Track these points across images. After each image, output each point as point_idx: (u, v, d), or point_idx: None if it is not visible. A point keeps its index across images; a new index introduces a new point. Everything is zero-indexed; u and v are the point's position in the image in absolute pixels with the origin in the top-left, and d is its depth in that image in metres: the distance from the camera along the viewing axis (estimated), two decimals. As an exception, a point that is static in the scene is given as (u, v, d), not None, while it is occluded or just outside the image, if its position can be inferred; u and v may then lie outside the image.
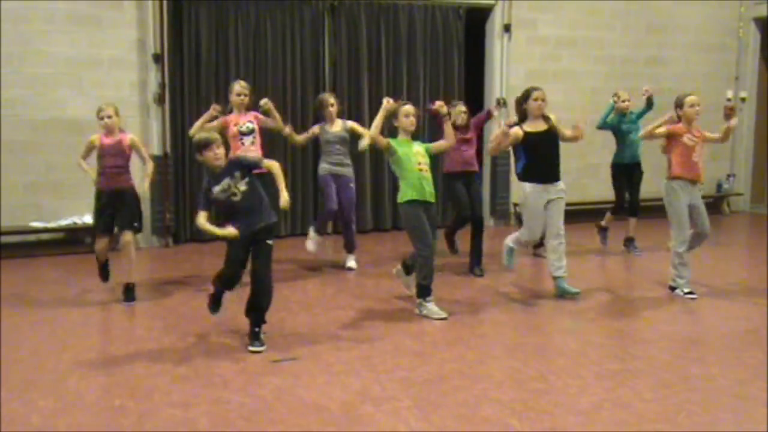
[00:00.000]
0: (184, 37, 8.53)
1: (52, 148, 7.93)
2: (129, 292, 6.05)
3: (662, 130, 6.18)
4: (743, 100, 11.51)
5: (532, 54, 10.14)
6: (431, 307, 5.56)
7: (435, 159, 6.15)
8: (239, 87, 6.71)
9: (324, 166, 7.23)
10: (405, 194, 5.55)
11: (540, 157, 6.01)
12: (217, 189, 4.87)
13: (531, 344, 4.92)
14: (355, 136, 7.14)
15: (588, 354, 4.66)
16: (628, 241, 8.21)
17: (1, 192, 7.77)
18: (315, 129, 7.30)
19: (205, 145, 4.88)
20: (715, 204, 11.50)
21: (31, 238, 8.05)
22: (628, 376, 4.23)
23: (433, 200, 5.65)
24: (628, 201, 8.18)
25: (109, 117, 6.11)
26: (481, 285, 6.53)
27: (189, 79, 8.59)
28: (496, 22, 9.92)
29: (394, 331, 5.16)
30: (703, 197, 10.98)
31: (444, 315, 5.51)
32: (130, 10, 8.21)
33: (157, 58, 8.28)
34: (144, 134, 8.33)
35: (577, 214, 8.73)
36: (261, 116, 6.77)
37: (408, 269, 5.94)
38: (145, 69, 8.31)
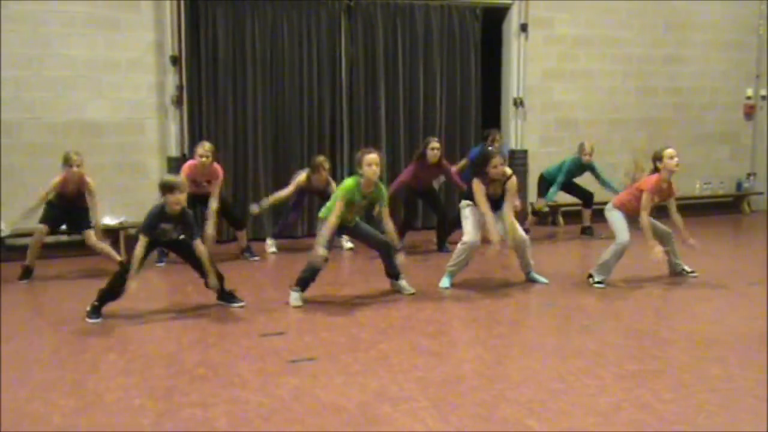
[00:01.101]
0: (202, 39, 8.58)
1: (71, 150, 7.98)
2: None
3: (646, 198, 6.26)
4: (763, 97, 11.40)
5: (549, 53, 10.11)
6: (295, 294, 5.90)
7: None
8: (202, 150, 7.29)
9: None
10: (326, 213, 5.90)
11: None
12: (162, 226, 5.48)
13: (548, 344, 4.90)
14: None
15: (606, 354, 4.63)
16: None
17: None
18: (302, 179, 7.81)
19: (171, 188, 5.45)
20: (736, 203, 11.40)
21: (51, 239, 8.10)
22: (647, 376, 4.20)
23: (353, 224, 6.16)
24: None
25: (78, 166, 6.67)
26: (498, 286, 6.51)
27: (206, 81, 8.64)
28: (512, 21, 9.91)
29: (411, 331, 5.16)
30: (723, 196, 11.08)
31: (295, 305, 5.83)
32: (147, 11, 8.28)
33: (175, 60, 8.34)
34: (162, 136, 8.40)
35: (594, 213, 8.69)
36: (220, 172, 7.41)
37: (397, 275, 6.26)
38: (162, 71, 8.37)
